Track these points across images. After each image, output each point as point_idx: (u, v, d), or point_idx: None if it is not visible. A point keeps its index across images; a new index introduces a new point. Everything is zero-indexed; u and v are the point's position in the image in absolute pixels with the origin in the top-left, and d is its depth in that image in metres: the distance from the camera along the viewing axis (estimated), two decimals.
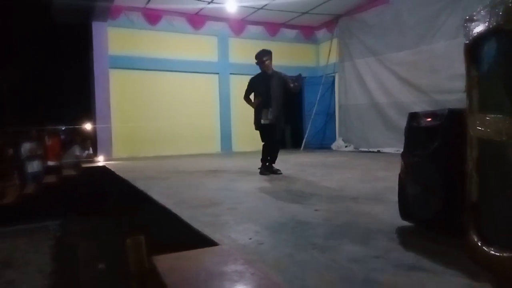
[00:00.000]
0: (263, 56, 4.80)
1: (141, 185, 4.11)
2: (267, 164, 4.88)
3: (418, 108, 7.42)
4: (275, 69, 4.96)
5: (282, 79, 4.81)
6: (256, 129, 4.91)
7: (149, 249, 2.01)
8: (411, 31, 7.85)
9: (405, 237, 2.00)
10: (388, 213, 2.43)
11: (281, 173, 4.75)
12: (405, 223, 2.15)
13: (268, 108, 4.70)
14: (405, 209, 2.17)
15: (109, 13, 8.33)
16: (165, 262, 1.72)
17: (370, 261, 1.65)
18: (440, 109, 2.08)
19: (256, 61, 4.88)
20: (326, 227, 2.22)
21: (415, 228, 2.10)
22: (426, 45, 7.56)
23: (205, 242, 2.03)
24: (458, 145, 1.76)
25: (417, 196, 2.08)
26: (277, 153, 4.98)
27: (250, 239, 2.02)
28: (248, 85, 4.98)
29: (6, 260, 4.89)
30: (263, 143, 4.91)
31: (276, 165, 4.92)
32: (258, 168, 4.95)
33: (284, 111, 4.90)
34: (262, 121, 4.71)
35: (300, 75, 5.03)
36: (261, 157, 4.93)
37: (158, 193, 3.53)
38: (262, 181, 4.40)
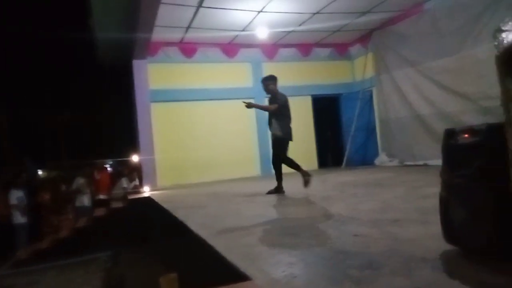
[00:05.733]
0: (265, 81, 5.38)
1: (181, 214, 4.17)
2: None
3: (465, 117, 7.03)
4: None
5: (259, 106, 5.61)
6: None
7: (183, 285, 2.01)
8: (450, 37, 7.53)
9: (451, 266, 1.84)
10: (434, 236, 2.25)
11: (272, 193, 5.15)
12: (451, 247, 1.98)
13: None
14: (450, 232, 2.01)
15: (148, 51, 8.79)
16: None
17: None
18: (478, 124, 1.94)
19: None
20: (365, 256, 2.10)
21: (463, 254, 1.93)
22: (469, 50, 7.20)
23: (238, 276, 1.99)
24: (504, 162, 1.61)
25: (464, 220, 1.91)
26: (274, 170, 5.26)
27: (284, 272, 1.96)
28: None
29: None
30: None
31: (315, 186, 4.88)
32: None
33: (272, 131, 5.29)
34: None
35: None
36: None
37: (196, 223, 3.56)
38: (300, 205, 4.31)
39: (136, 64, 8.92)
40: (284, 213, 3.82)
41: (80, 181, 9.40)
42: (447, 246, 2.00)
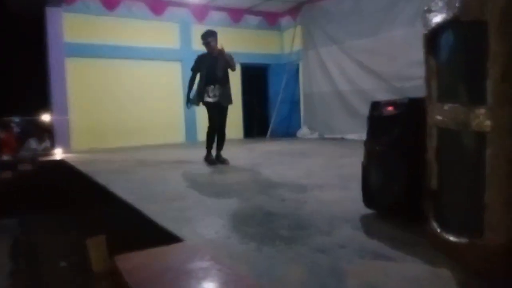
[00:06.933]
0: (207, 37, 4.83)
1: (102, 179, 3.95)
2: (211, 151, 4.88)
3: (379, 95, 7.60)
4: (232, 52, 4.97)
5: (225, 58, 4.79)
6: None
7: (112, 248, 1.94)
8: (370, 18, 7.97)
9: (368, 225, 2.05)
10: (353, 200, 2.47)
11: (228, 163, 4.69)
12: (369, 210, 2.20)
13: (211, 85, 4.74)
14: (368, 196, 2.22)
15: None
16: (128, 262, 1.65)
17: (335, 250, 1.67)
18: (401, 98, 2.12)
19: (202, 41, 4.89)
20: (293, 218, 2.23)
21: (379, 215, 2.15)
22: (385, 32, 7.71)
23: (171, 238, 1.98)
24: (419, 133, 1.80)
25: (380, 183, 2.12)
26: (223, 139, 4.88)
27: (217, 233, 2.00)
28: (195, 62, 4.96)
29: None
30: (207, 127, 4.88)
31: (243, 154, 4.91)
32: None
33: (228, 92, 4.87)
34: (207, 99, 4.74)
35: (230, 55, 4.89)
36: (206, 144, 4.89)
37: (121, 188, 3.41)
38: (231, 172, 4.37)
39: (50, 12, 7.96)
40: (214, 179, 3.85)
41: None
42: (365, 209, 2.21)
